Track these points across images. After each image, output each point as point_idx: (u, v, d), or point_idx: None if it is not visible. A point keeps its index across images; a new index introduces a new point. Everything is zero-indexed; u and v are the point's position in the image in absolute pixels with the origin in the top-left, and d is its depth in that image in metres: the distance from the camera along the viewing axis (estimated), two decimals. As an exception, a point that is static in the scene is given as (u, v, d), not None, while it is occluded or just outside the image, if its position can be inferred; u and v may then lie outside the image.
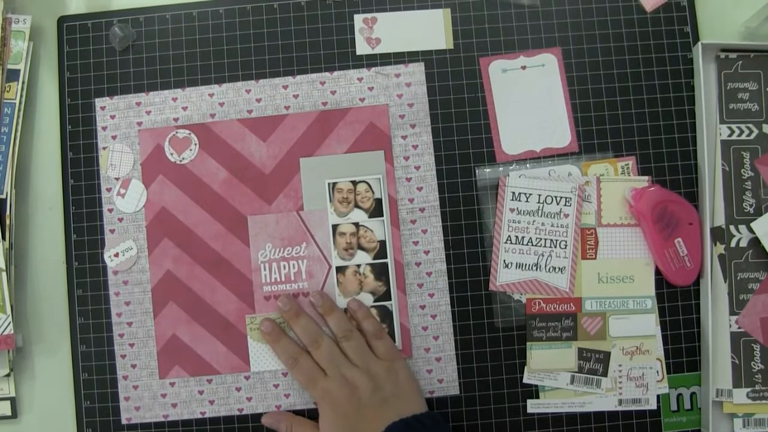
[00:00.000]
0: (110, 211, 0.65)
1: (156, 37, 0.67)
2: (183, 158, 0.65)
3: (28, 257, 0.66)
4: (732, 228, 0.63)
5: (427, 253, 0.64)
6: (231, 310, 0.64)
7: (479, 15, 0.66)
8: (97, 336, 0.64)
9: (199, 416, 0.63)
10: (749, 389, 0.61)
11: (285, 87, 0.65)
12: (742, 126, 0.63)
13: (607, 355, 0.63)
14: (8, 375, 0.63)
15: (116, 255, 0.64)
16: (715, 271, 0.63)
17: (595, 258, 0.63)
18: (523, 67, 0.66)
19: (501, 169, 0.65)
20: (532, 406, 0.63)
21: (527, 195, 0.64)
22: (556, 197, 0.63)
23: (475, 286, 0.64)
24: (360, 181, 0.64)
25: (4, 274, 0.62)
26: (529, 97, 0.65)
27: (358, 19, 0.66)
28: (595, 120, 0.65)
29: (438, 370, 0.63)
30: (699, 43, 0.63)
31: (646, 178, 0.64)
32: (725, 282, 0.62)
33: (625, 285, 0.63)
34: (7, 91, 0.64)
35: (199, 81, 0.66)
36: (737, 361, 0.62)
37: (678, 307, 0.64)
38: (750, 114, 0.64)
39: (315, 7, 0.67)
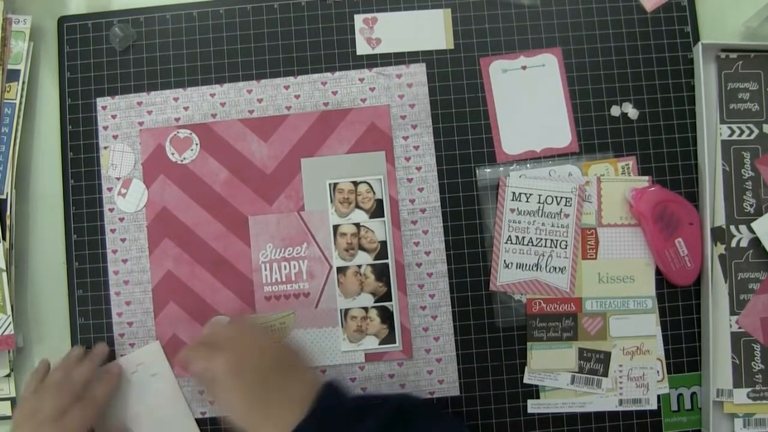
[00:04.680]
0: (111, 210, 0.65)
1: (156, 37, 0.67)
2: (184, 158, 0.65)
3: (28, 257, 0.65)
4: (732, 228, 0.63)
5: (427, 254, 0.64)
6: (231, 310, 0.64)
7: (479, 15, 0.66)
8: (97, 336, 0.64)
9: (200, 416, 0.63)
10: (749, 389, 0.61)
11: (286, 87, 0.65)
12: (743, 126, 0.64)
13: (608, 355, 0.63)
14: (8, 375, 0.63)
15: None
16: (716, 271, 0.63)
17: (595, 258, 0.64)
18: (524, 68, 0.66)
19: (501, 169, 0.65)
20: (533, 407, 0.63)
21: (527, 195, 0.64)
22: (556, 197, 0.64)
23: (475, 287, 0.64)
24: (361, 182, 0.64)
25: (4, 274, 0.62)
26: (530, 97, 0.65)
27: (359, 20, 0.66)
28: (595, 120, 0.65)
29: (438, 370, 0.63)
30: (699, 43, 0.63)
31: (646, 178, 0.64)
32: (726, 282, 0.62)
33: (625, 285, 0.63)
34: (8, 91, 0.64)
35: (200, 81, 0.66)
36: (737, 361, 0.62)
37: (678, 307, 0.64)
38: (750, 114, 0.64)
39: (315, 7, 0.67)
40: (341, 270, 0.64)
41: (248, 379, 0.54)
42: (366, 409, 0.51)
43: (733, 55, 0.64)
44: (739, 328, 0.62)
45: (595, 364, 0.63)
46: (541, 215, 0.64)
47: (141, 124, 0.66)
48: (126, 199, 0.65)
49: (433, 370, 0.63)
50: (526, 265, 0.63)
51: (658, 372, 0.63)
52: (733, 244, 0.63)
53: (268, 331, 0.63)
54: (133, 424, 0.63)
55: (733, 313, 0.62)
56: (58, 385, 0.59)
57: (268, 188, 0.65)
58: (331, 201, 0.64)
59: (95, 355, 0.62)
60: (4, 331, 0.62)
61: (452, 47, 0.66)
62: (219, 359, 0.54)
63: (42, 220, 0.66)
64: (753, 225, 0.62)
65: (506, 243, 0.64)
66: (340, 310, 0.64)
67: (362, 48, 0.66)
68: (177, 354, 0.59)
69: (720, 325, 0.62)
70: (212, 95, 0.66)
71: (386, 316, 0.63)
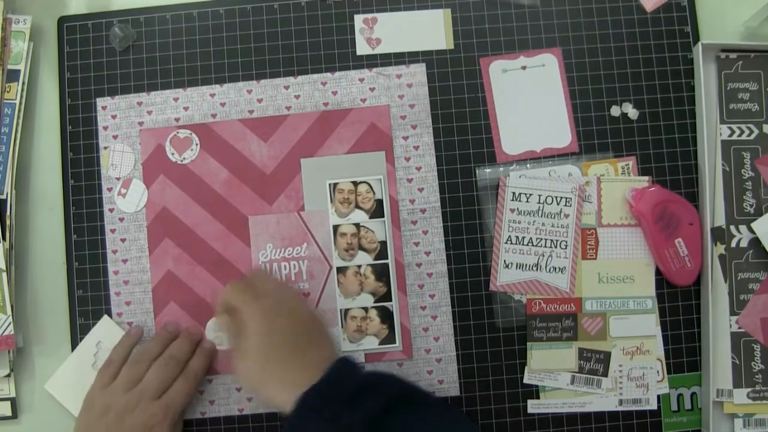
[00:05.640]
0: (111, 211, 0.65)
1: (156, 37, 0.67)
2: (184, 158, 0.65)
3: (28, 257, 0.65)
4: (732, 228, 0.63)
5: (427, 254, 0.64)
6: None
7: (479, 15, 0.66)
8: (97, 336, 0.64)
9: (199, 416, 0.63)
10: (749, 389, 0.61)
11: (286, 87, 0.65)
12: (743, 126, 0.64)
13: (608, 355, 0.63)
14: (8, 375, 0.63)
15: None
16: (716, 271, 0.63)
17: (595, 258, 0.64)
18: (524, 68, 0.66)
19: (501, 169, 0.65)
20: (533, 407, 0.63)
21: (527, 195, 0.64)
22: (556, 197, 0.64)
23: (475, 287, 0.64)
24: (361, 182, 0.64)
25: (4, 274, 0.62)
26: (530, 98, 0.65)
27: (359, 20, 0.66)
28: (595, 120, 0.65)
29: (438, 370, 0.63)
30: (699, 43, 0.63)
31: (646, 178, 0.64)
32: (725, 282, 0.62)
33: (625, 285, 0.63)
34: (8, 92, 0.64)
35: (200, 81, 0.66)
36: (737, 362, 0.62)
37: (678, 307, 0.64)
38: (750, 114, 0.64)
39: (315, 7, 0.67)
40: (341, 270, 0.64)
41: (275, 335, 0.54)
42: (364, 391, 0.51)
43: (733, 55, 0.64)
44: (739, 328, 0.62)
45: (595, 364, 0.63)
46: (541, 215, 0.64)
47: (141, 124, 0.66)
48: (126, 199, 0.65)
49: (433, 370, 0.63)
50: (526, 265, 0.63)
51: (658, 372, 0.63)
52: (733, 244, 0.63)
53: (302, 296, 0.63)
54: None
55: (733, 313, 0.62)
56: (158, 358, 0.60)
57: (268, 188, 0.65)
58: (331, 201, 0.64)
59: (192, 333, 0.63)
60: (4, 331, 0.62)
61: (452, 47, 0.66)
62: (256, 306, 0.55)
63: (42, 220, 0.66)
64: (753, 225, 0.62)
65: (506, 243, 0.64)
66: (340, 310, 0.64)
67: (362, 48, 0.66)
68: (221, 294, 0.59)
69: (720, 325, 0.62)
70: (212, 95, 0.66)
71: (386, 316, 0.63)
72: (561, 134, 0.65)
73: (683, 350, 0.63)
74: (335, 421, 0.49)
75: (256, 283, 0.58)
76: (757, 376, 0.61)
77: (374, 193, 0.64)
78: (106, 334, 0.64)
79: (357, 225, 0.64)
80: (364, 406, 0.49)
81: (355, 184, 0.64)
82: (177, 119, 0.66)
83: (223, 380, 0.63)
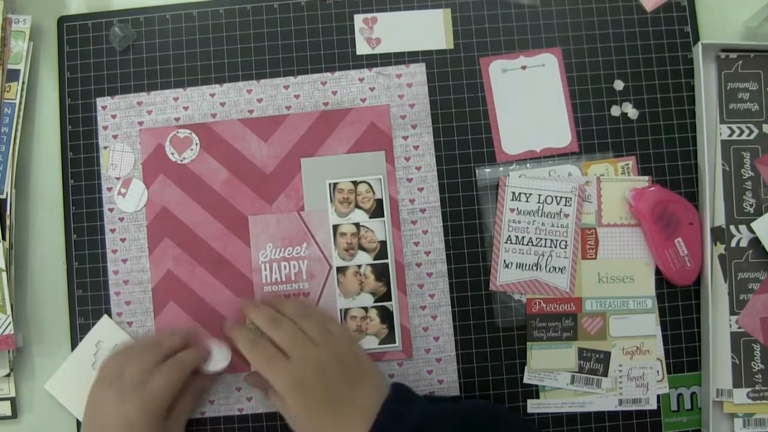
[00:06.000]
0: (111, 210, 0.65)
1: (156, 37, 0.67)
2: (184, 158, 0.65)
3: (28, 257, 0.65)
4: (732, 228, 0.63)
5: (427, 253, 0.64)
6: (231, 310, 0.64)
7: (479, 15, 0.66)
8: (97, 336, 0.64)
9: (200, 416, 0.63)
10: (749, 389, 0.61)
11: (286, 87, 0.65)
12: (743, 126, 0.64)
13: (608, 355, 0.63)
14: (8, 375, 0.63)
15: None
16: (716, 271, 0.63)
17: (595, 258, 0.64)
18: (524, 67, 0.66)
19: (501, 169, 0.65)
20: (533, 406, 0.63)
21: (527, 195, 0.64)
22: (556, 197, 0.64)
23: (475, 286, 0.64)
24: (361, 182, 0.64)
25: (4, 274, 0.62)
26: (529, 97, 0.65)
27: (359, 19, 0.66)
28: (595, 120, 0.65)
29: (438, 370, 0.63)
30: (699, 43, 0.63)
31: (646, 178, 0.64)
32: (725, 282, 0.62)
33: (625, 285, 0.63)
34: (7, 91, 0.64)
35: (200, 81, 0.66)
36: (737, 361, 0.62)
37: (678, 307, 0.64)
38: (750, 114, 0.64)
39: (315, 7, 0.67)
40: (341, 270, 0.64)
41: (312, 394, 0.53)
42: (430, 420, 0.50)
43: (733, 55, 0.64)
44: (739, 328, 0.62)
45: (594, 364, 0.63)
46: (541, 215, 0.64)
47: (141, 123, 0.66)
48: (126, 199, 0.65)
49: (433, 370, 0.63)
50: (526, 265, 0.63)
51: (657, 372, 0.63)
52: (733, 244, 0.63)
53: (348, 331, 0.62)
54: None
55: (732, 313, 0.62)
56: (144, 347, 0.59)
57: (268, 188, 0.65)
58: (331, 201, 0.64)
59: (189, 332, 0.61)
60: (3, 331, 0.62)
61: (452, 47, 0.66)
62: (283, 371, 0.54)
63: (42, 220, 0.66)
64: (753, 225, 0.62)
65: (506, 243, 0.64)
66: (340, 309, 0.64)
67: (362, 48, 0.66)
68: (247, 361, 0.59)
69: (720, 325, 0.62)
70: (212, 95, 0.66)
71: (386, 316, 0.63)
72: (561, 134, 0.65)
73: (683, 350, 0.63)
74: None
75: (276, 334, 0.56)
76: (756, 376, 0.61)
77: (374, 192, 0.64)
78: (105, 333, 0.64)
79: (357, 225, 0.64)
80: None
81: (355, 183, 0.64)
82: (177, 119, 0.66)
83: (223, 380, 0.63)
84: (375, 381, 0.55)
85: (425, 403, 0.55)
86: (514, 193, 0.64)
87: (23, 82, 0.65)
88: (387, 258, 0.64)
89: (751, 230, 0.62)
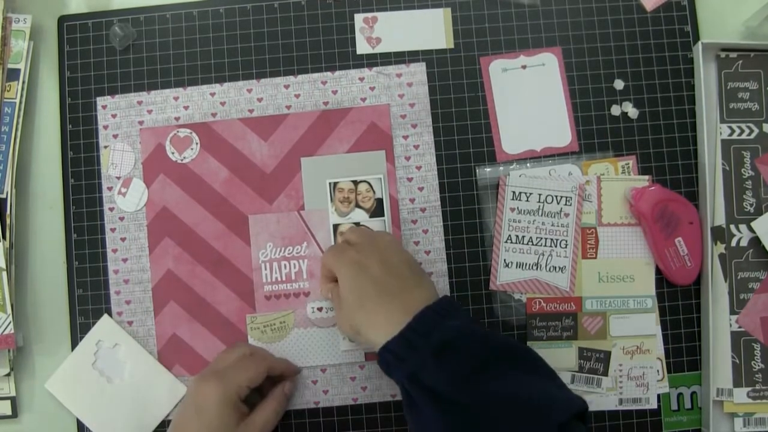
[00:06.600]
0: (111, 210, 0.65)
1: (156, 36, 0.67)
2: (184, 157, 0.65)
3: (28, 257, 0.65)
4: (732, 227, 0.63)
5: (428, 253, 0.64)
6: (231, 309, 0.64)
7: (479, 14, 0.66)
8: (97, 335, 0.64)
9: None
10: (749, 388, 0.61)
11: (286, 86, 0.65)
12: (743, 125, 0.64)
13: (608, 354, 0.63)
14: (8, 374, 0.63)
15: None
16: (716, 270, 0.63)
17: (595, 257, 0.64)
18: (524, 67, 0.66)
19: (501, 168, 0.65)
20: (533, 406, 0.63)
21: (527, 194, 0.64)
22: (556, 196, 0.64)
23: (475, 286, 0.64)
24: (361, 181, 0.64)
25: (4, 273, 0.62)
26: (530, 97, 0.65)
27: (359, 19, 0.66)
28: (595, 119, 0.65)
29: (439, 369, 0.63)
30: (699, 42, 0.63)
31: (646, 177, 0.64)
32: (725, 281, 0.62)
33: (625, 284, 0.63)
34: (8, 91, 0.64)
35: (200, 80, 0.66)
36: (737, 361, 0.62)
37: (678, 307, 0.64)
38: (750, 113, 0.64)
39: (315, 6, 0.67)
40: (341, 269, 0.64)
41: (365, 280, 0.55)
42: (450, 348, 0.50)
43: (733, 55, 0.64)
44: (739, 327, 0.62)
45: (595, 364, 0.63)
46: (541, 214, 0.64)
47: (141, 123, 0.66)
48: (126, 199, 0.65)
49: (433, 369, 0.63)
50: (526, 264, 0.63)
51: (658, 371, 0.63)
52: (733, 243, 0.63)
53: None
54: (117, 401, 0.63)
55: (733, 312, 0.62)
56: (235, 347, 0.61)
57: (268, 187, 0.65)
58: (331, 200, 0.64)
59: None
60: (3, 330, 0.62)
61: (452, 46, 0.66)
62: (348, 253, 0.57)
63: (42, 219, 0.66)
64: (753, 224, 0.62)
65: (506, 242, 0.64)
66: (340, 309, 0.64)
67: (362, 47, 0.66)
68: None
69: (720, 324, 0.62)
70: (212, 94, 0.66)
71: (386, 315, 0.63)
72: (561, 133, 0.65)
73: (683, 349, 0.63)
74: (416, 381, 0.49)
75: (348, 238, 0.59)
76: (757, 376, 0.61)
77: (374, 192, 0.64)
78: (106, 333, 0.64)
79: (357, 224, 0.64)
80: (447, 366, 0.49)
81: (355, 183, 0.64)
82: (177, 118, 0.66)
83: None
84: (426, 288, 0.56)
85: (463, 320, 0.54)
86: (514, 192, 0.64)
87: (23, 82, 0.65)
88: (387, 257, 0.63)
89: (751, 229, 0.62)
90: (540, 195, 0.64)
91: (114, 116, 0.66)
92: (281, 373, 0.61)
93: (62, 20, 0.67)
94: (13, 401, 0.64)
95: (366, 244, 0.58)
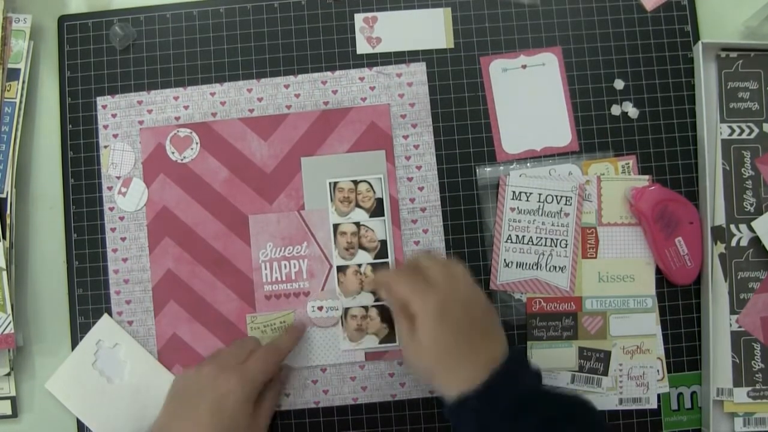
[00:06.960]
0: (111, 209, 0.65)
1: (156, 36, 0.67)
2: (184, 157, 0.65)
3: (28, 257, 0.65)
4: (732, 227, 0.63)
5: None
6: (232, 309, 0.64)
7: (480, 14, 0.66)
8: (97, 335, 0.64)
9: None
10: (750, 388, 0.61)
11: (286, 86, 0.65)
12: (743, 125, 0.64)
13: (608, 354, 0.63)
14: (8, 374, 0.63)
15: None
16: (716, 270, 0.63)
17: (595, 257, 0.64)
18: (524, 67, 0.66)
19: (501, 168, 0.65)
20: (533, 405, 0.63)
21: (528, 194, 0.64)
22: (556, 196, 0.64)
23: (475, 286, 0.64)
24: (361, 181, 0.64)
25: (4, 273, 0.62)
26: (530, 97, 0.65)
27: (359, 19, 0.66)
28: (595, 119, 0.65)
29: (439, 369, 0.63)
30: (699, 42, 0.63)
31: (646, 177, 0.64)
32: (726, 281, 0.62)
33: (625, 284, 0.63)
34: (8, 91, 0.64)
35: (200, 80, 0.66)
36: (738, 360, 0.62)
37: (678, 306, 0.64)
38: (750, 113, 0.64)
39: (315, 6, 0.67)
40: (341, 269, 0.64)
41: (450, 327, 0.52)
42: (521, 408, 0.50)
43: (733, 54, 0.64)
44: (739, 327, 0.62)
45: (595, 363, 0.63)
46: (541, 214, 0.64)
47: (141, 123, 0.66)
48: (126, 198, 0.65)
49: (433, 369, 0.63)
50: (526, 264, 0.63)
51: (658, 371, 0.63)
52: (733, 243, 0.63)
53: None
54: (117, 401, 0.63)
55: (733, 312, 0.62)
56: (245, 341, 0.61)
57: (268, 187, 0.65)
58: (331, 200, 0.64)
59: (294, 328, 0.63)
60: (4, 330, 0.62)
61: (452, 46, 0.66)
62: (432, 296, 0.52)
63: (42, 219, 0.66)
64: (753, 224, 0.62)
65: (506, 242, 0.64)
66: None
67: (362, 47, 0.66)
68: (379, 273, 0.60)
69: (720, 324, 0.62)
70: (212, 94, 0.66)
71: (386, 315, 0.63)
72: (561, 133, 0.65)
73: (683, 349, 0.63)
74: None
75: (426, 268, 0.55)
76: (757, 375, 0.61)
77: (374, 191, 0.64)
78: (106, 332, 0.64)
79: (357, 224, 0.64)
80: (519, 425, 0.49)
81: (356, 182, 0.64)
82: (177, 118, 0.66)
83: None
84: (500, 341, 0.54)
85: (531, 373, 0.53)
86: (514, 192, 0.64)
87: (23, 82, 0.65)
88: (387, 257, 0.64)
89: (751, 229, 0.62)
90: (540, 195, 0.64)
91: (114, 116, 0.66)
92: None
93: (62, 20, 0.67)
94: (13, 401, 0.64)
95: (446, 285, 0.54)
